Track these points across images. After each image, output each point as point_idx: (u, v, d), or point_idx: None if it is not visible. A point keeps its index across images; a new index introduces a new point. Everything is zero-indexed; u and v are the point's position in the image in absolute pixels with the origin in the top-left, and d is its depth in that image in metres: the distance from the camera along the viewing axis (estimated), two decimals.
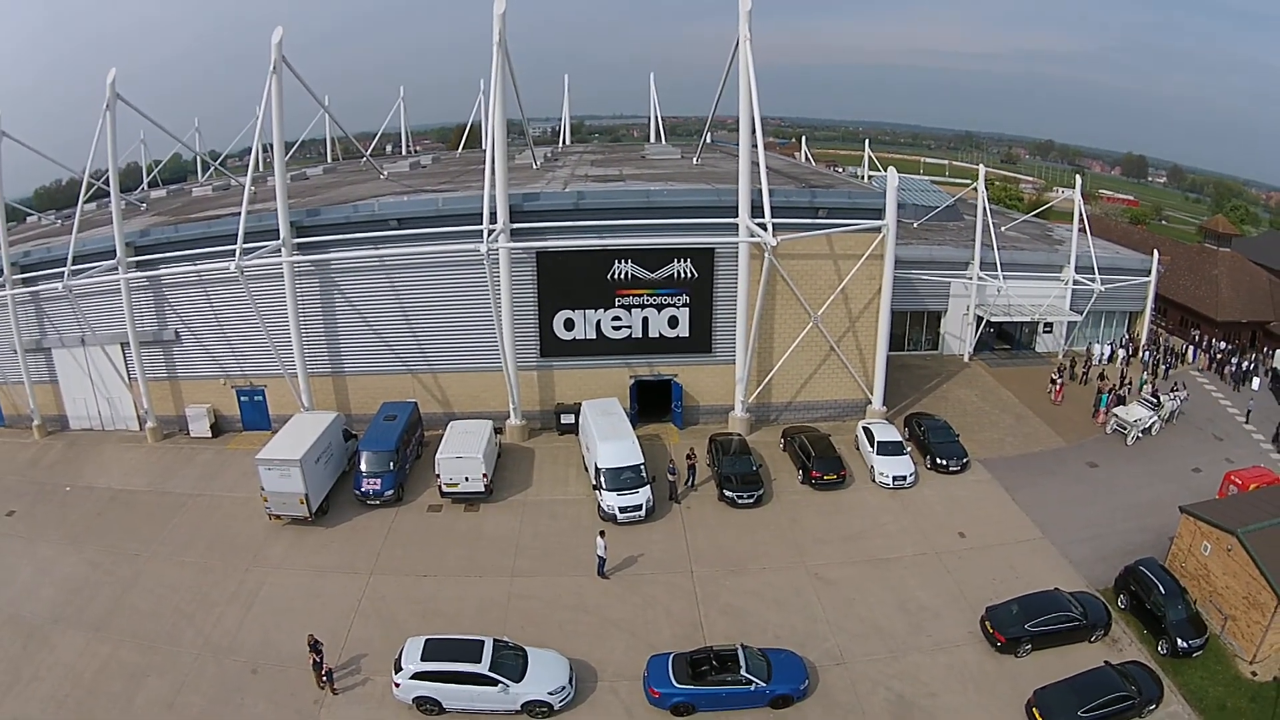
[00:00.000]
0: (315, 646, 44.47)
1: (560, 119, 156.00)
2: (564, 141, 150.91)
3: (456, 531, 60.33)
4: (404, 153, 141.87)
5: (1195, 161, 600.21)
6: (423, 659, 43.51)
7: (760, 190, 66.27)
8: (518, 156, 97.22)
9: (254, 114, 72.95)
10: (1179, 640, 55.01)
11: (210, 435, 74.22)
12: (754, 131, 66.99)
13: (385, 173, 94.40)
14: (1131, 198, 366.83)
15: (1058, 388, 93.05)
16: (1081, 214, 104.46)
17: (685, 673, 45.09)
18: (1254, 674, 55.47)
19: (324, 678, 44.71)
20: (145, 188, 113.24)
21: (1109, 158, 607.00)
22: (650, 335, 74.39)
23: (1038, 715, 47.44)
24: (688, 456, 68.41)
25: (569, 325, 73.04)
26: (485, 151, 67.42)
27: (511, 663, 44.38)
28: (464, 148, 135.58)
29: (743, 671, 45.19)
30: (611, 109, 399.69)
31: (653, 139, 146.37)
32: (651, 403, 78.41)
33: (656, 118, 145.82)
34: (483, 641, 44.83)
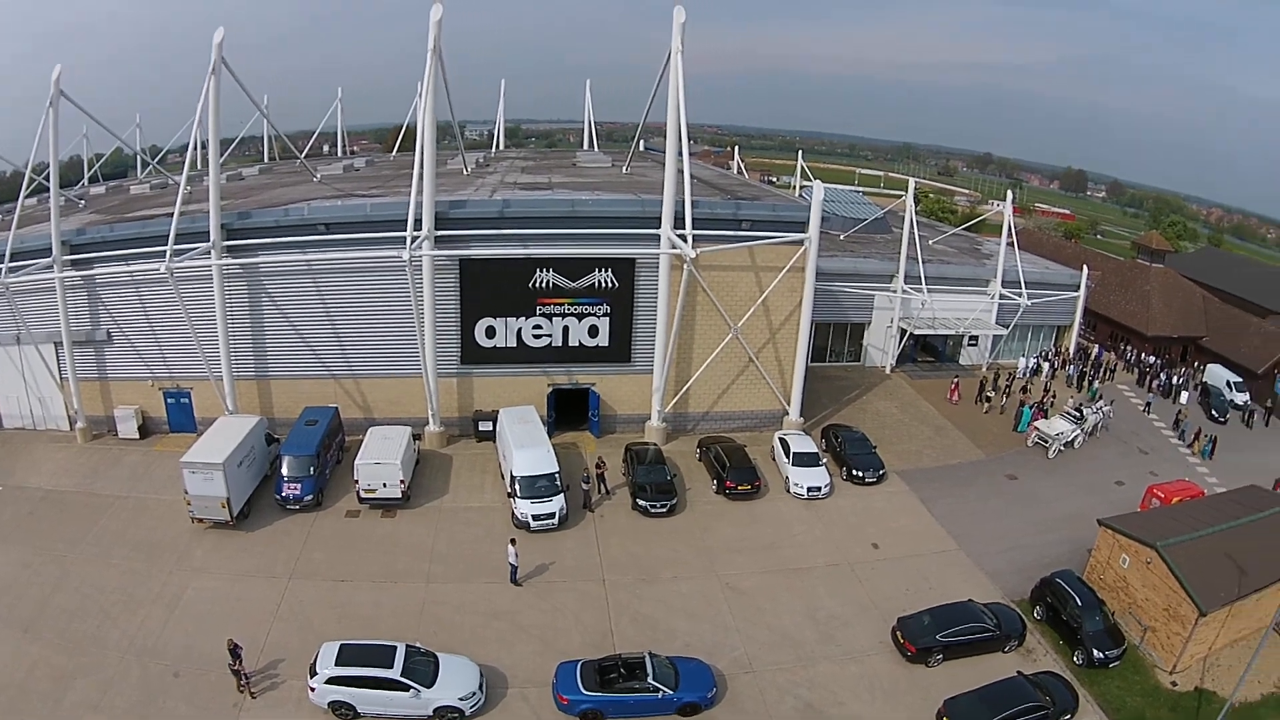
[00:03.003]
0: (234, 650, 45.05)
1: (495, 122, 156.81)
2: (498, 147, 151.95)
3: (374, 537, 61.13)
4: (340, 154, 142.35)
5: (1136, 176, 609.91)
6: (337, 664, 44.29)
7: (684, 201, 68.19)
8: (449, 162, 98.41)
9: (195, 110, 73.72)
10: (1095, 651, 56.87)
11: (138, 437, 74.41)
12: (680, 143, 68.21)
13: (319, 175, 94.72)
14: (1067, 212, 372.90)
15: (953, 387, 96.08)
16: (1011, 228, 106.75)
17: (594, 680, 46.10)
18: (1174, 684, 57.46)
19: (243, 682, 45.34)
20: (85, 184, 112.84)
21: (1048, 171, 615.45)
22: (570, 344, 75.47)
23: None
24: (597, 465, 69.81)
25: (490, 333, 73.98)
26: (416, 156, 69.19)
27: (423, 668, 45.32)
28: (398, 150, 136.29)
29: (650, 679, 46.25)
30: (550, 113, 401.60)
31: (586, 146, 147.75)
32: (569, 411, 79.32)
33: (591, 124, 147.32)
34: (395, 647, 45.77)
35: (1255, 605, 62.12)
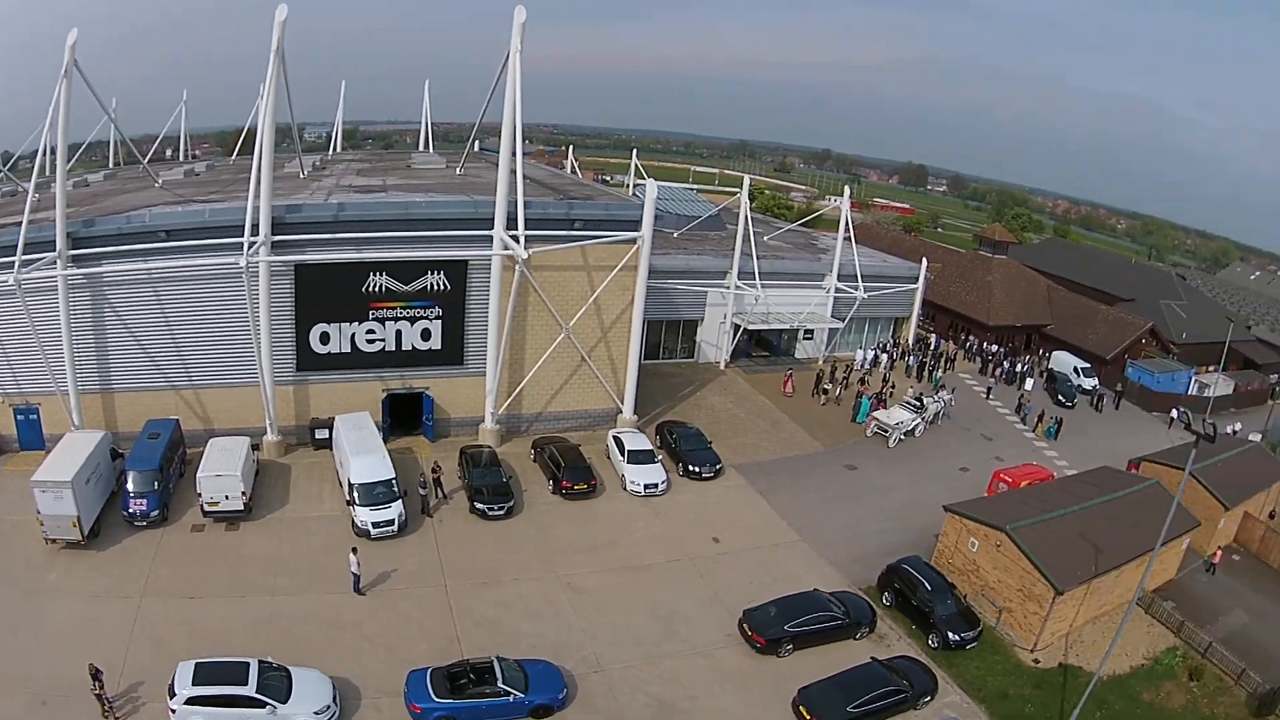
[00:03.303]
0: (96, 675, 45.15)
1: (334, 124, 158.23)
2: (335, 149, 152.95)
3: (219, 551, 61.53)
4: (183, 158, 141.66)
5: (979, 171, 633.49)
6: (194, 684, 44.70)
7: (517, 202, 70.55)
8: (287, 165, 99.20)
9: (46, 115, 74.27)
10: (950, 634, 60.88)
11: None
12: (515, 143, 71.01)
13: (160, 180, 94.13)
14: (907, 206, 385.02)
15: (786, 379, 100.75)
16: (848, 222, 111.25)
17: (444, 687, 47.68)
18: (1036, 661, 61.75)
19: (106, 707, 45.53)
20: None
21: (888, 167, 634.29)
22: (403, 348, 77.33)
23: (805, 713, 51.37)
24: (433, 470, 71.86)
25: (325, 339, 75.09)
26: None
27: (277, 684, 46.25)
28: (239, 154, 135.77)
29: (500, 684, 48.13)
30: (389, 114, 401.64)
31: (422, 147, 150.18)
32: (404, 416, 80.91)
33: (427, 126, 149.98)
34: (248, 663, 46.49)
35: (1115, 582, 66.35)
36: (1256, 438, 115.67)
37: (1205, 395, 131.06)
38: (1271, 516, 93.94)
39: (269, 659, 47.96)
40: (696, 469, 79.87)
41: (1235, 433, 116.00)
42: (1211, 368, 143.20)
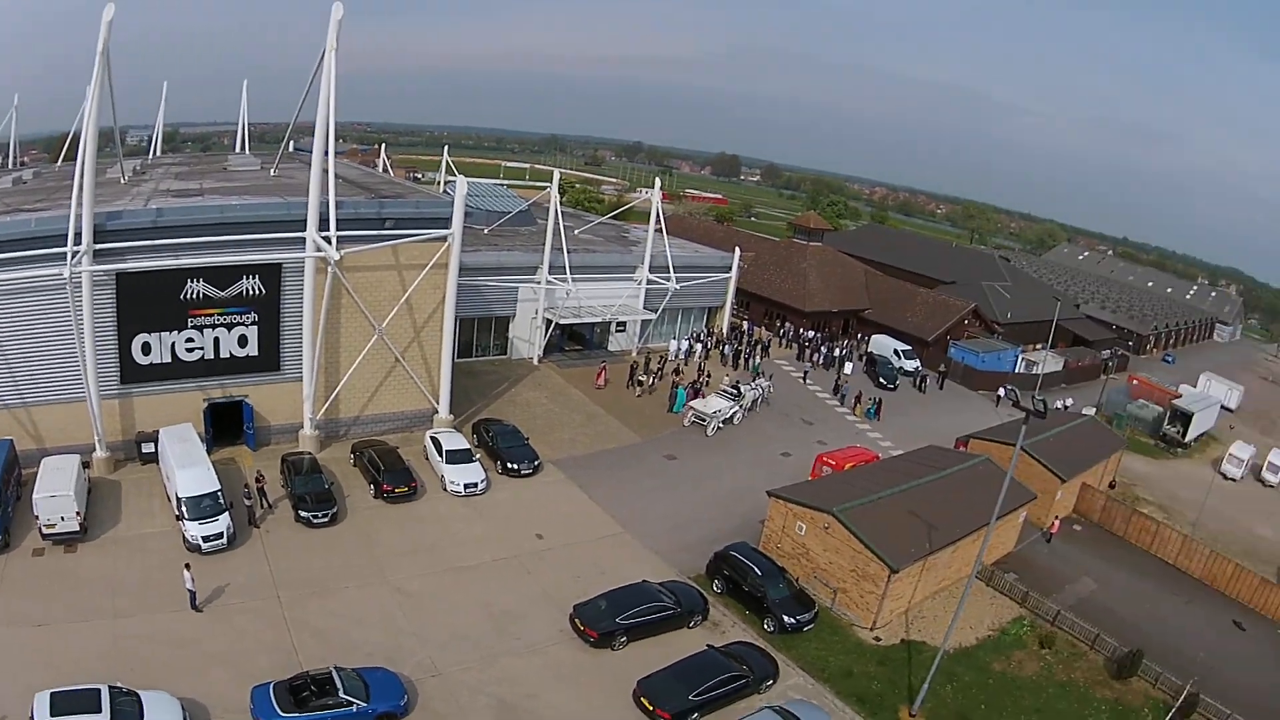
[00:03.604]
0: None
1: (155, 127, 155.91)
2: (155, 153, 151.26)
3: (60, 575, 61.07)
4: (12, 165, 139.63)
5: (794, 160, 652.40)
6: (51, 715, 44.73)
7: (328, 203, 72.81)
8: (109, 171, 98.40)
9: None
10: (785, 617, 64.93)
11: None
12: (328, 143, 72.89)
13: None
14: (720, 196, 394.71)
15: (599, 371, 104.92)
16: (658, 214, 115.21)
17: (288, 700, 48.77)
18: (878, 639, 65.44)
19: None
20: None
21: (700, 158, 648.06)
22: (222, 355, 77.91)
23: (648, 704, 54.30)
24: (256, 479, 72.82)
25: (146, 349, 74.98)
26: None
27: (129, 709, 46.50)
28: (64, 160, 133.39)
29: (341, 694, 49.47)
30: (210, 115, 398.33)
31: (238, 149, 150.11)
32: (226, 425, 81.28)
33: (244, 127, 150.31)
34: (99, 690, 46.53)
35: (952, 557, 70.73)
36: (1090, 411, 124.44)
37: (1034, 373, 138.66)
38: (1112, 486, 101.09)
39: (119, 684, 48.31)
40: (515, 466, 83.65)
41: (1066, 408, 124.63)
42: (1039, 346, 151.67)
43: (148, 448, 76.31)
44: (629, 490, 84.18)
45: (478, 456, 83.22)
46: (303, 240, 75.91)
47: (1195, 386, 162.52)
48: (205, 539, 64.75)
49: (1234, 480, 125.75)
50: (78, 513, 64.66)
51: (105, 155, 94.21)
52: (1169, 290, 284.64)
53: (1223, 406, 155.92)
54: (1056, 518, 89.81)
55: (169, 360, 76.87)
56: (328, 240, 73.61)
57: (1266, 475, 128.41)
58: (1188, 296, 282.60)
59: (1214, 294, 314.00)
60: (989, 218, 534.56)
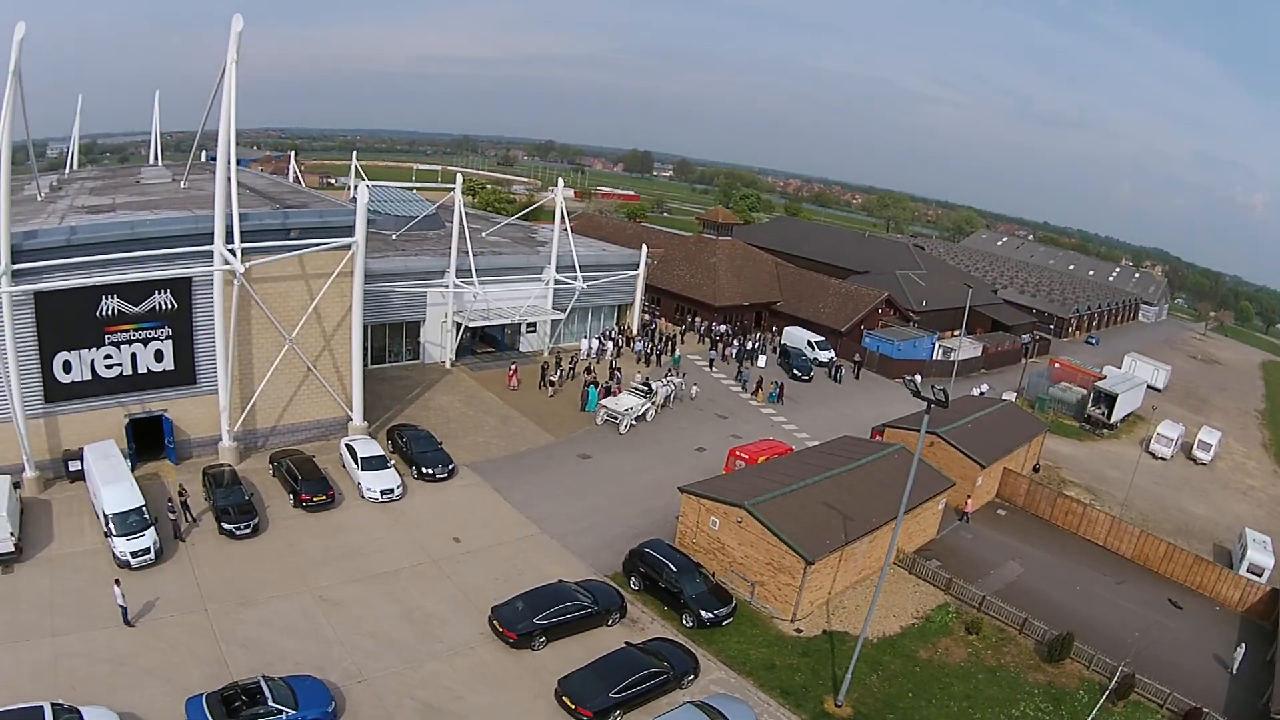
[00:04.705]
0: None
1: (71, 140, 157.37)
2: (71, 167, 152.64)
3: None
4: None
5: (707, 154, 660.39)
6: None
7: (233, 215, 74.83)
8: (26, 187, 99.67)
9: None
10: (702, 612, 67.43)
11: None
12: (230, 154, 74.03)
13: None
14: (632, 193, 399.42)
15: (510, 373, 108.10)
16: (564, 214, 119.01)
17: (220, 711, 50.07)
18: (799, 631, 67.96)
19: None
20: None
21: (613, 155, 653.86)
22: (140, 371, 79.67)
23: (570, 703, 56.17)
24: (179, 493, 74.61)
25: (67, 367, 76.46)
26: None
27: None
28: None
29: (270, 703, 51.09)
30: (127, 126, 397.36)
31: (152, 160, 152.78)
32: (148, 440, 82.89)
33: (157, 138, 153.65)
34: (42, 708, 47.94)
35: (871, 546, 73.72)
36: (1011, 396, 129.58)
37: (951, 359, 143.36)
38: (1036, 470, 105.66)
39: (60, 701, 49.60)
40: (429, 471, 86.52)
41: (983, 393, 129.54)
42: (955, 332, 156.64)
43: (75, 465, 77.85)
44: (544, 491, 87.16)
45: (392, 462, 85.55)
46: (211, 254, 77.80)
47: (1120, 368, 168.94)
48: (133, 554, 66.47)
49: (1163, 459, 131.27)
50: (12, 533, 66.31)
51: (22, 171, 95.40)
52: (1091, 273, 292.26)
53: (1150, 386, 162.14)
54: (968, 497, 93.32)
55: (89, 377, 78.31)
56: (233, 253, 76.24)
57: (1197, 453, 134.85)
58: (1111, 279, 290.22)
59: (1138, 275, 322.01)
60: (905, 206, 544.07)
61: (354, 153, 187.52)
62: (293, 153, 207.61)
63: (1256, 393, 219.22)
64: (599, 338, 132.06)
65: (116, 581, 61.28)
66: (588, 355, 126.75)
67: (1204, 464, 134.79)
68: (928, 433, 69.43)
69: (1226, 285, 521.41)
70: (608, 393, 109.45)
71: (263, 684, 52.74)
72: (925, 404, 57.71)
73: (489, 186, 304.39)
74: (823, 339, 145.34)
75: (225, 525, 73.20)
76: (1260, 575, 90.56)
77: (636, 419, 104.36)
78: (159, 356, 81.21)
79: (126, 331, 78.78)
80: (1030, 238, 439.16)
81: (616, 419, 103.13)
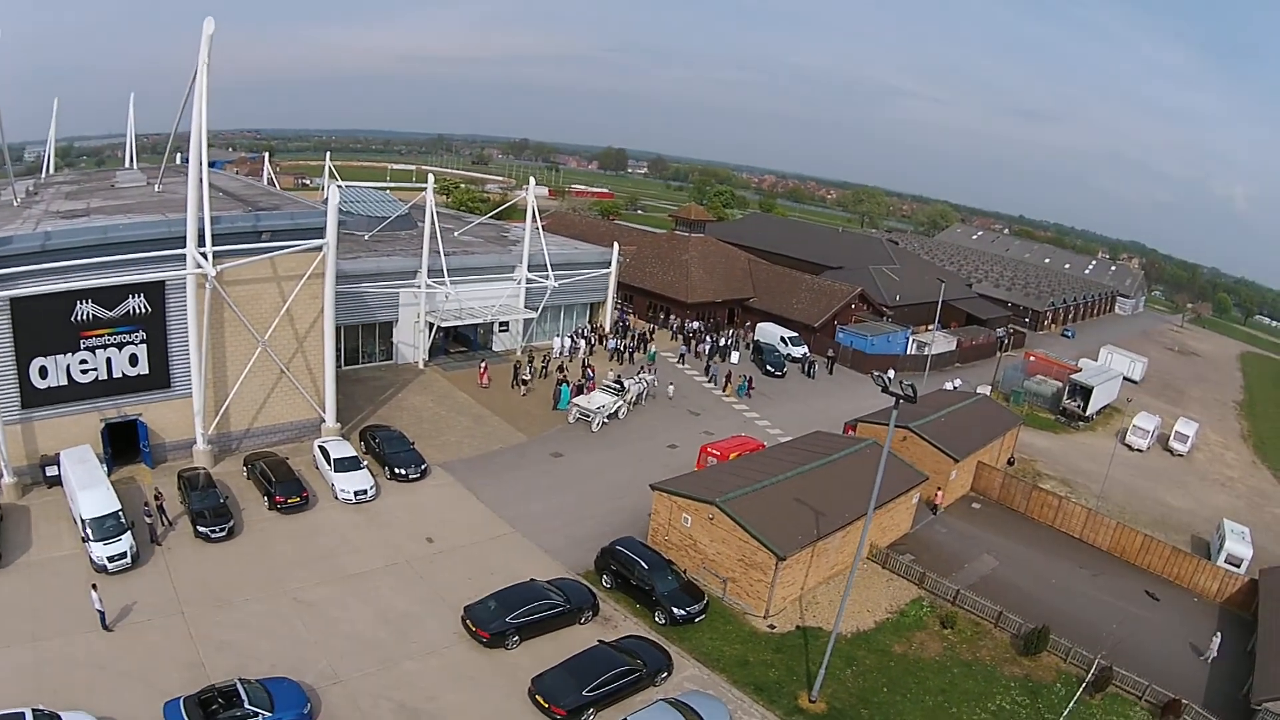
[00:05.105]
0: None
1: (47, 143, 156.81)
2: (48, 170, 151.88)
3: None
4: None
5: (681, 152, 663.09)
6: None
7: (205, 218, 75.50)
8: (2, 193, 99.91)
9: None
10: (675, 609, 68.28)
11: None
12: (202, 158, 74.36)
13: None
14: (606, 190, 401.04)
15: (481, 371, 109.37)
16: (535, 213, 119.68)
17: (198, 715, 50.55)
18: (772, 627, 68.73)
19: None
20: None
21: (587, 152, 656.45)
22: (115, 375, 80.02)
23: (543, 701, 56.90)
24: (156, 497, 75.31)
25: (44, 373, 76.87)
26: None
27: None
28: None
29: (247, 705, 51.56)
30: (104, 128, 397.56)
31: (127, 163, 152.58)
32: (124, 444, 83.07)
33: (132, 141, 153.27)
34: (24, 714, 48.63)
35: (844, 541, 74.39)
36: (985, 390, 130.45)
37: (925, 354, 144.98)
38: (1011, 463, 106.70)
39: (40, 706, 50.20)
40: (402, 471, 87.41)
41: (956, 387, 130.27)
42: (930, 326, 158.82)
43: (52, 471, 78.47)
44: (517, 490, 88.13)
45: (365, 463, 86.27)
46: (183, 257, 78.34)
47: (1096, 360, 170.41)
48: (110, 559, 66.84)
49: (1140, 451, 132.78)
50: None
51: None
52: (1067, 266, 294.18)
53: (1126, 379, 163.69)
54: (938, 489, 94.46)
55: (65, 383, 78.88)
56: (205, 256, 77.32)
57: (1174, 445, 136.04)
58: (1087, 271, 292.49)
59: (1114, 268, 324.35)
60: (879, 201, 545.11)
61: (328, 153, 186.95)
62: (267, 154, 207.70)
63: (1235, 384, 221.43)
64: (572, 336, 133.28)
65: (94, 586, 61.77)
66: (560, 353, 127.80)
67: (1180, 455, 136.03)
68: (901, 427, 70.38)
69: (1204, 277, 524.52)
70: (580, 391, 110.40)
71: (239, 687, 53.32)
72: (894, 399, 58.15)
73: (463, 186, 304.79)
74: (796, 335, 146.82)
75: (201, 528, 73.51)
76: (1239, 566, 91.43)
77: (609, 417, 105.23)
78: (134, 361, 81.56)
79: (101, 336, 79.19)
80: (1006, 231, 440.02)
81: (589, 417, 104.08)
